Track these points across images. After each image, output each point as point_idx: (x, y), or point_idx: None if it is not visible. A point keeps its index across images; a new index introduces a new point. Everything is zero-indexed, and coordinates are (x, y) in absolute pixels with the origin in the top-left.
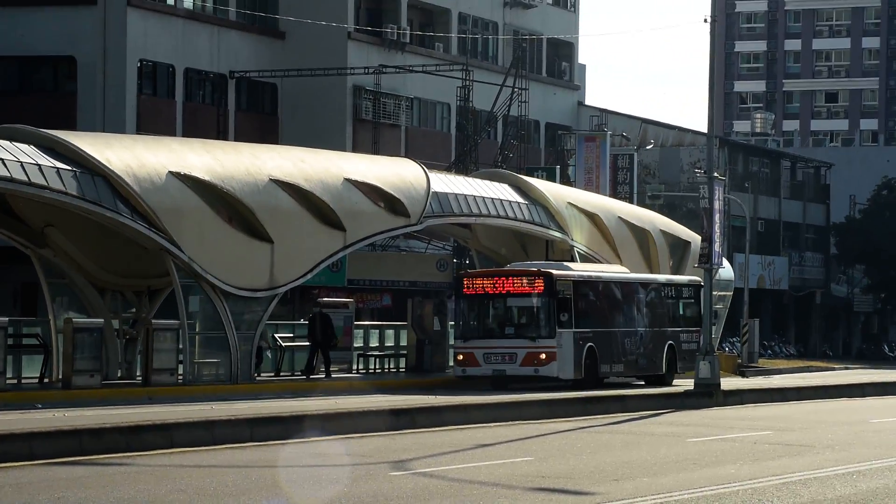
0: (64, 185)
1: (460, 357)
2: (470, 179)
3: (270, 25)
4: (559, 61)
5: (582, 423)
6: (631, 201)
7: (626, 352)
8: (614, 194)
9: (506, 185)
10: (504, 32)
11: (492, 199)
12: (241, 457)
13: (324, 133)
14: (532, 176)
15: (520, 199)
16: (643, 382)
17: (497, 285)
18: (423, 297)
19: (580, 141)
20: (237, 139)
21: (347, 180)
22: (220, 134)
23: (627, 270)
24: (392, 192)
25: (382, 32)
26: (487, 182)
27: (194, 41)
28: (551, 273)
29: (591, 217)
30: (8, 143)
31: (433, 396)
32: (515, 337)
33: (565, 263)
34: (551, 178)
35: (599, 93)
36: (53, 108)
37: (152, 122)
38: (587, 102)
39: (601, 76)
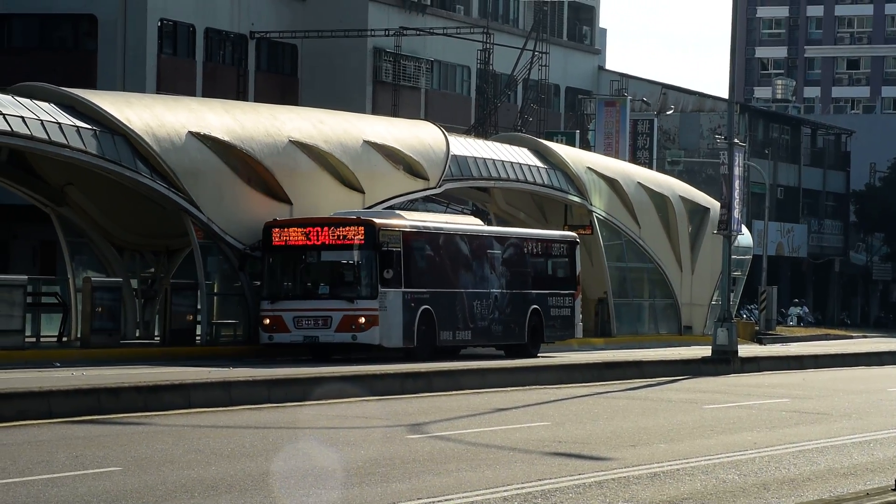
0: (84, 144)
1: (266, 321)
2: (489, 143)
3: None
4: (580, 25)
5: (598, 389)
6: (650, 167)
7: (475, 317)
8: (634, 160)
9: (525, 150)
10: None
11: (511, 163)
12: (259, 418)
13: (343, 95)
14: (551, 140)
15: (539, 164)
16: (503, 353)
17: (311, 236)
18: None
19: (600, 106)
20: (257, 100)
21: (367, 142)
22: (240, 94)
23: (480, 222)
24: (411, 155)
25: None
26: (507, 146)
27: (215, 1)
28: (373, 222)
29: (611, 182)
30: (28, 100)
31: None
32: (331, 297)
33: (398, 212)
34: (571, 142)
35: (620, 57)
36: (73, 67)
37: (172, 82)
38: (607, 67)
39: (622, 40)
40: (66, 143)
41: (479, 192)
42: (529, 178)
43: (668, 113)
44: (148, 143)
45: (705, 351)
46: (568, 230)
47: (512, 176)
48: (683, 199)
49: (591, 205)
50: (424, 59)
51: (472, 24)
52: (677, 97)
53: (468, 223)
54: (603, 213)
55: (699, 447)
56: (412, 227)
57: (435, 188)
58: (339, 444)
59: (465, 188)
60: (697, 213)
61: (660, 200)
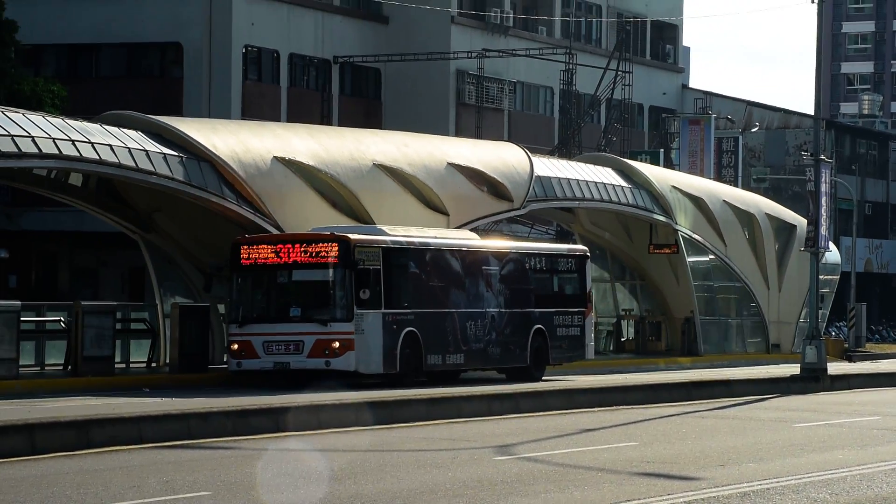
0: (171, 171)
1: (234, 346)
2: (573, 163)
3: (374, 10)
4: (663, 43)
5: (686, 408)
6: (735, 185)
7: (469, 339)
8: (718, 178)
9: (609, 169)
10: (608, 15)
11: (595, 182)
12: (347, 441)
13: (427, 117)
14: (635, 159)
15: (623, 183)
16: (504, 377)
17: (281, 254)
18: None
19: (684, 124)
20: (341, 124)
21: (451, 164)
22: (324, 119)
23: (475, 237)
24: (495, 177)
25: (486, 16)
26: (590, 166)
27: (299, 26)
28: (348, 238)
29: (696, 201)
30: (116, 129)
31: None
32: (303, 320)
33: (381, 227)
34: (655, 161)
35: (704, 75)
36: (160, 94)
37: (257, 108)
38: (691, 85)
39: (706, 58)
40: (153, 170)
41: (564, 212)
42: (614, 198)
43: (753, 130)
44: (234, 169)
45: (794, 369)
46: (653, 250)
47: (596, 196)
48: (769, 216)
49: (677, 223)
50: (507, 80)
51: (555, 44)
52: (762, 114)
53: (461, 237)
54: (688, 232)
55: (789, 466)
56: (394, 242)
57: (519, 209)
58: (428, 465)
59: (549, 209)
60: (784, 230)
61: (746, 218)
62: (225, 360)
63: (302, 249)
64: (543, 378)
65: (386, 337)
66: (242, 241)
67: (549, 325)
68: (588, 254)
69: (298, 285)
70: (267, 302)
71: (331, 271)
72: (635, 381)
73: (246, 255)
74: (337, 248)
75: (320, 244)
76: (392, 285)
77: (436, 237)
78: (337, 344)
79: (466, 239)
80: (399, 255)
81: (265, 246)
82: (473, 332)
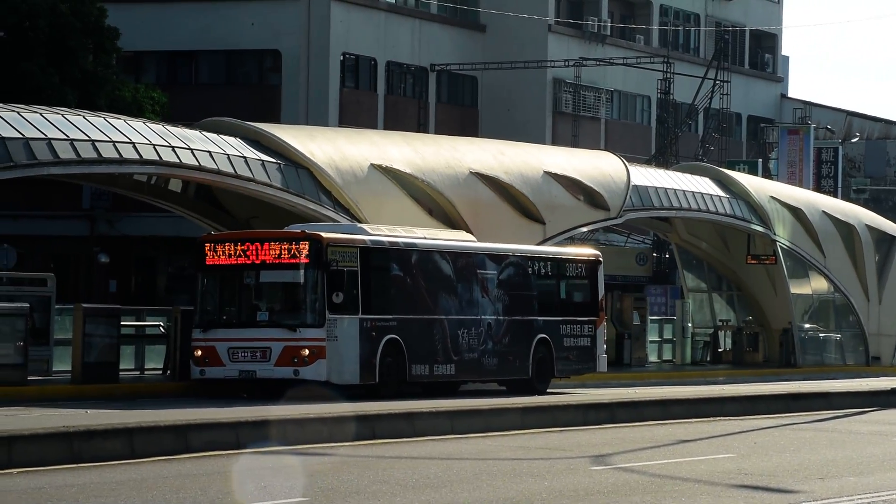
0: (269, 178)
1: (197, 352)
2: (670, 173)
3: (471, 18)
4: (762, 53)
5: (784, 420)
6: (835, 195)
7: (461, 348)
8: (818, 188)
9: (706, 179)
10: (706, 24)
11: (692, 192)
12: (442, 449)
13: (523, 126)
14: (733, 169)
15: (721, 193)
16: (505, 388)
17: (249, 253)
18: (622, 291)
19: (783, 134)
20: (437, 131)
21: (547, 173)
22: (421, 126)
23: (473, 238)
24: (591, 186)
25: (583, 25)
26: (688, 175)
27: (396, 34)
28: (319, 236)
29: (794, 211)
30: (215, 135)
31: (633, 390)
32: (270, 325)
33: (360, 225)
34: (753, 171)
35: (803, 85)
36: (258, 101)
37: (354, 115)
38: (790, 94)
39: (805, 67)
40: (251, 176)
41: (661, 222)
42: (711, 208)
43: (853, 140)
44: (331, 176)
45: (894, 382)
46: (751, 260)
47: (693, 206)
48: (870, 227)
49: (775, 234)
50: (604, 89)
51: (653, 53)
52: (862, 124)
53: (454, 238)
54: (787, 243)
55: (889, 480)
56: (374, 242)
57: (615, 218)
58: (523, 475)
59: (645, 218)
60: (884, 241)
61: (845, 229)
62: None
63: (270, 248)
64: (549, 391)
65: (363, 344)
66: (207, 238)
67: (555, 335)
68: (601, 259)
69: (266, 287)
70: (232, 305)
71: (301, 272)
72: (732, 393)
73: (211, 254)
74: (307, 248)
75: (289, 243)
76: (371, 288)
77: (424, 238)
78: (307, 351)
79: (460, 240)
80: (380, 257)
81: (231, 244)
82: (466, 340)
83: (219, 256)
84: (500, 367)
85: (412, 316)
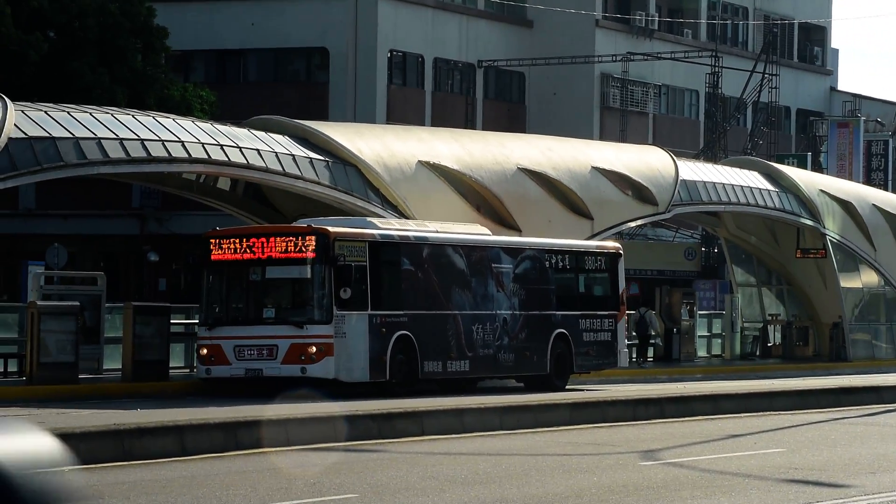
0: (317, 175)
1: (203, 351)
2: (718, 167)
3: (518, 14)
4: (811, 46)
5: (834, 415)
6: (885, 188)
7: (476, 344)
8: (868, 181)
9: (755, 173)
10: (754, 17)
11: (741, 186)
12: (491, 444)
13: (571, 121)
14: (782, 163)
15: (770, 187)
16: (523, 385)
17: (255, 248)
18: (672, 286)
19: (832, 127)
20: (485, 128)
21: (595, 168)
22: (468, 122)
23: (487, 231)
24: (639, 180)
25: (630, 19)
26: (736, 169)
27: (443, 31)
28: (326, 230)
29: (844, 205)
30: (263, 133)
31: (682, 385)
32: (277, 322)
33: (370, 219)
34: (802, 165)
35: (853, 77)
36: (306, 99)
37: (401, 112)
38: (840, 88)
39: (855, 60)
40: (299, 174)
41: (709, 216)
42: (760, 202)
43: None
44: (379, 173)
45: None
46: (800, 254)
47: (742, 200)
48: None
49: (825, 227)
50: (652, 83)
51: (701, 47)
52: None
53: (468, 232)
54: (837, 237)
55: None
56: (383, 236)
57: (664, 213)
58: (572, 470)
59: (694, 213)
60: None
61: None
62: None
63: (276, 243)
64: (568, 388)
65: (373, 341)
66: (213, 233)
67: (574, 330)
68: (621, 251)
69: (273, 283)
70: (238, 302)
71: (308, 268)
72: (782, 387)
73: (216, 250)
74: (314, 242)
75: (296, 237)
76: (381, 284)
77: (436, 231)
78: (314, 349)
79: (474, 234)
80: (390, 251)
81: (237, 240)
82: (481, 336)
83: (224, 252)
84: (516, 364)
85: (424, 311)
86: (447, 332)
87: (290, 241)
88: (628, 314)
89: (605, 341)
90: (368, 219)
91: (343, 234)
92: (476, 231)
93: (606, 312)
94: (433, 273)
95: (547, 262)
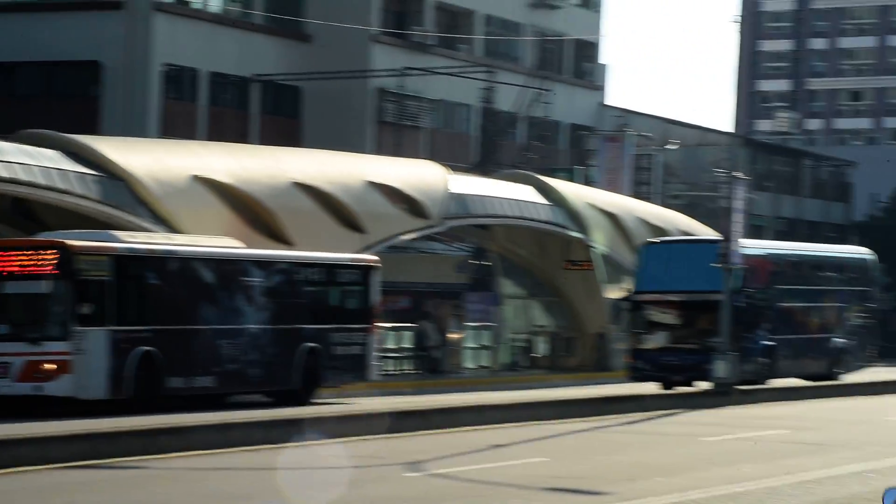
0: (86, 190)
1: None
2: (491, 181)
3: (295, 29)
4: (582, 61)
5: (597, 424)
6: (652, 201)
7: (224, 358)
8: (636, 195)
9: (526, 187)
10: (528, 33)
11: (512, 200)
12: (256, 459)
13: (346, 136)
14: (553, 177)
15: (540, 200)
16: (273, 400)
17: None
18: (442, 298)
19: (602, 141)
20: (260, 142)
21: (369, 182)
22: (243, 137)
23: (239, 244)
24: (412, 194)
25: (407, 34)
26: (508, 183)
27: (220, 45)
28: (65, 244)
29: (611, 217)
30: (32, 147)
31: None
32: (11, 339)
33: (113, 233)
34: (572, 178)
35: (622, 93)
36: (78, 113)
37: (176, 126)
38: (609, 103)
39: (624, 76)
40: (68, 189)
41: (481, 229)
42: (529, 215)
43: (669, 147)
44: (149, 188)
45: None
46: (568, 266)
47: (512, 213)
48: (685, 233)
49: (592, 240)
50: (427, 98)
51: (476, 62)
52: (680, 132)
53: (219, 245)
54: (603, 249)
55: (697, 480)
56: (128, 250)
57: (436, 226)
58: (337, 483)
59: (465, 226)
60: None
61: (661, 235)
62: None
63: (15, 258)
64: (315, 401)
65: (114, 357)
66: None
67: (324, 344)
68: (377, 264)
69: (10, 299)
70: None
71: (45, 283)
72: (547, 397)
73: None
74: (53, 256)
75: (34, 251)
76: (125, 298)
77: (185, 245)
78: (50, 366)
79: (224, 247)
80: (135, 265)
81: None
82: (229, 351)
83: None
84: (265, 378)
85: (170, 326)
86: (193, 347)
87: (29, 255)
88: (410, 326)
89: (357, 355)
90: (112, 232)
91: (84, 247)
92: (227, 244)
93: (358, 326)
94: (181, 287)
95: (299, 276)
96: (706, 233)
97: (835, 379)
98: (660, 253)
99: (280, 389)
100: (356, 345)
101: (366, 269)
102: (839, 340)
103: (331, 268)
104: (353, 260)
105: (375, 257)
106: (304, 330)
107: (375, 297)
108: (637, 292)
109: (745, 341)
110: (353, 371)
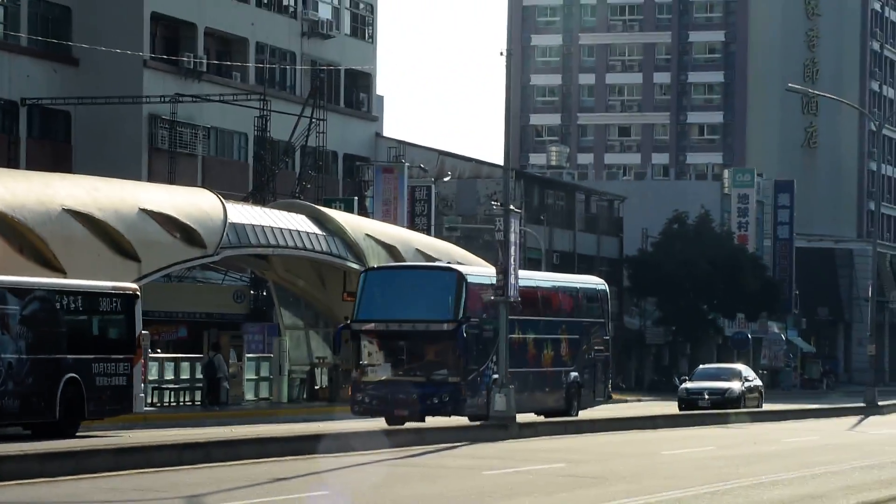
0: None
1: None
2: (267, 210)
3: (63, 52)
4: (357, 92)
5: (379, 457)
6: (429, 233)
7: None
8: (412, 226)
9: (304, 216)
10: (302, 62)
11: (289, 230)
12: (32, 493)
13: (119, 162)
14: (330, 207)
15: (317, 231)
16: (30, 432)
17: None
18: (220, 330)
19: (378, 172)
20: (29, 168)
21: (142, 210)
22: (11, 162)
23: None
24: (188, 223)
25: (179, 61)
26: (285, 213)
27: None
28: None
29: (389, 248)
30: None
31: (229, 429)
32: None
33: None
34: (349, 209)
35: (397, 124)
36: None
37: None
38: (385, 134)
39: (399, 107)
40: None
41: (258, 259)
42: (308, 245)
43: (445, 179)
44: None
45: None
46: (347, 297)
47: (290, 243)
48: (459, 264)
49: None
50: (201, 125)
51: (249, 90)
52: (454, 164)
53: None
54: None
55: None
56: None
57: (213, 255)
58: None
59: (243, 255)
60: None
61: None
62: None
63: None
64: (78, 434)
65: None
66: None
67: (86, 374)
68: (138, 293)
69: None
70: None
71: None
72: (328, 430)
73: None
74: None
75: None
76: None
77: None
78: None
79: None
80: None
81: None
82: None
83: None
84: (22, 410)
85: None
86: None
87: None
88: (190, 357)
89: (121, 385)
90: None
91: None
92: None
93: (122, 356)
94: None
95: (58, 304)
96: (482, 264)
97: (572, 415)
98: (381, 280)
99: (40, 422)
100: (120, 375)
101: (128, 298)
102: (574, 374)
103: (91, 296)
104: (114, 288)
105: (135, 285)
106: (65, 360)
107: (139, 326)
108: (357, 321)
109: (472, 374)
110: (118, 402)
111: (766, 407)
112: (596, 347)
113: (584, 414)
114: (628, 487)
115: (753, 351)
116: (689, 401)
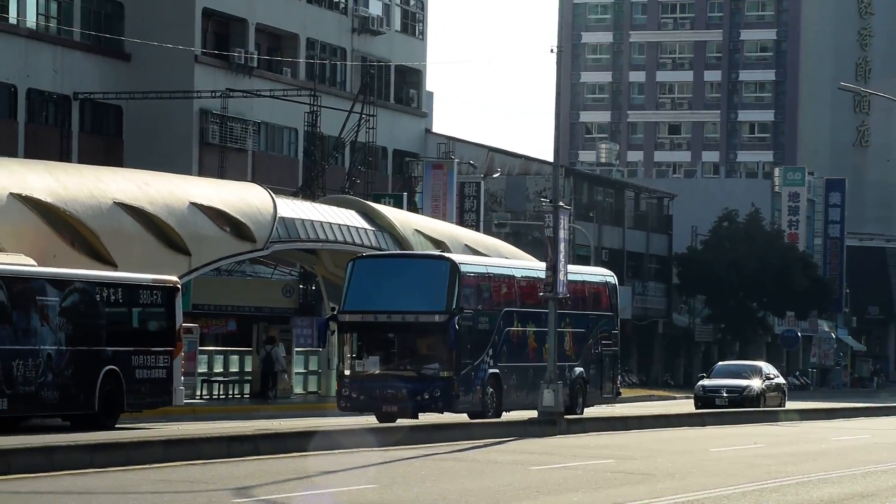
0: None
1: None
2: (317, 205)
3: (115, 47)
4: (407, 88)
5: (426, 451)
6: (477, 229)
7: (16, 381)
8: (461, 222)
9: (353, 212)
10: (352, 58)
11: (338, 224)
12: (81, 483)
13: (169, 157)
14: (379, 202)
15: (367, 226)
16: (69, 424)
17: None
18: (269, 323)
19: (427, 168)
20: (81, 161)
21: (193, 204)
22: (63, 156)
23: (31, 262)
24: (238, 217)
25: (230, 56)
26: (334, 208)
27: (37, 61)
28: None
29: (438, 244)
30: None
31: (277, 422)
32: None
33: None
34: (398, 204)
35: (447, 120)
36: None
37: None
38: (435, 130)
39: (449, 104)
40: None
41: (307, 254)
42: (357, 240)
43: (494, 176)
44: None
45: (531, 413)
46: None
47: (339, 238)
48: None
49: None
50: (251, 121)
51: (300, 86)
52: (504, 160)
53: (10, 262)
54: None
55: None
56: None
57: (262, 250)
58: None
59: (291, 250)
60: None
61: None
62: None
63: None
64: (120, 426)
65: None
66: None
67: (126, 367)
68: (179, 286)
69: None
70: None
71: None
72: (376, 424)
73: None
74: None
75: None
76: None
77: None
78: None
79: (15, 264)
80: None
81: None
82: (22, 373)
83: None
84: (62, 402)
85: None
86: None
87: None
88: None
89: (160, 378)
90: None
91: None
92: (18, 262)
93: (161, 349)
94: None
95: (98, 296)
96: (530, 260)
97: (577, 413)
98: (370, 268)
99: (79, 413)
100: (160, 368)
101: (167, 291)
102: (578, 370)
103: (132, 288)
104: (155, 281)
105: (175, 278)
106: (104, 352)
107: (179, 319)
108: (344, 311)
109: (466, 369)
110: (157, 395)
111: (815, 405)
112: (603, 342)
113: (623, 410)
114: (675, 484)
115: (803, 349)
116: (706, 399)
